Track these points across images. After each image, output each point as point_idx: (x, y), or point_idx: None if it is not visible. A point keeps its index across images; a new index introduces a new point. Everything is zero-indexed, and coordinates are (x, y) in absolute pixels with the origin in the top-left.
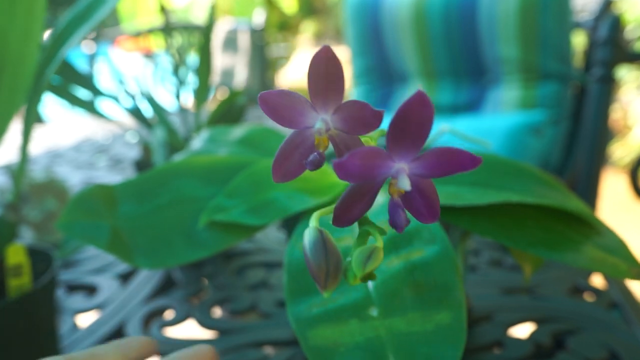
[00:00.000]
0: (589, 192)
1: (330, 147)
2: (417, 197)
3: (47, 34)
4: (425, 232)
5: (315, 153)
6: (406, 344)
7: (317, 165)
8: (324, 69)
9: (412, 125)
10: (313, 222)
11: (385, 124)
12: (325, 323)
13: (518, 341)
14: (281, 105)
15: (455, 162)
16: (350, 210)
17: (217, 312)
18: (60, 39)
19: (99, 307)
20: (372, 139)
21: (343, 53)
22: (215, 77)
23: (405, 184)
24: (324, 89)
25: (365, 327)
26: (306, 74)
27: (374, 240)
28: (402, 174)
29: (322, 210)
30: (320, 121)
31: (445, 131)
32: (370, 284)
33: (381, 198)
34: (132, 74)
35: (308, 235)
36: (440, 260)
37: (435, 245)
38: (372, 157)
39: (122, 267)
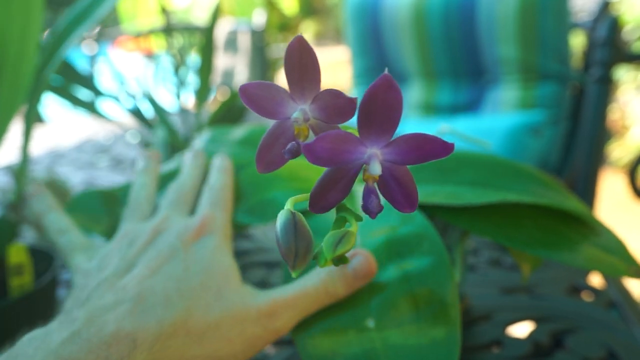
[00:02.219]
0: (587, 192)
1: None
2: (393, 185)
3: (46, 34)
4: (425, 244)
5: (294, 142)
6: (401, 357)
7: (295, 154)
8: (298, 59)
9: (379, 110)
10: (288, 205)
11: None
12: (324, 332)
13: (517, 340)
14: (261, 97)
15: (427, 148)
16: (325, 196)
17: None
18: (60, 38)
19: None
20: (355, 130)
21: (343, 53)
22: (216, 78)
23: (376, 169)
24: (299, 79)
25: (362, 338)
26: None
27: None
28: (374, 159)
29: (298, 196)
30: (299, 111)
31: (445, 131)
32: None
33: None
34: (133, 75)
35: (280, 216)
36: (437, 274)
37: (433, 258)
38: (342, 141)
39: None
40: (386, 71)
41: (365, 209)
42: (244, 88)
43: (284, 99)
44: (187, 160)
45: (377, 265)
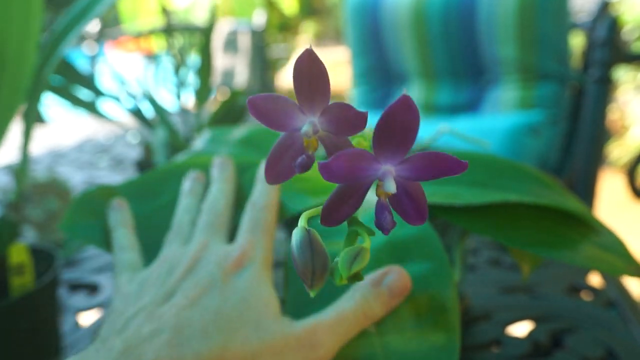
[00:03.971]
0: (586, 191)
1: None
2: (404, 200)
3: (46, 33)
4: (425, 248)
5: (304, 155)
6: None
7: (305, 167)
8: (308, 72)
9: (397, 129)
10: (302, 222)
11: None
12: None
13: (516, 340)
14: (270, 110)
15: (442, 165)
16: (338, 210)
17: None
18: (59, 37)
19: (100, 305)
20: (366, 139)
21: (343, 53)
22: (216, 78)
23: (391, 187)
24: (309, 91)
25: (363, 343)
26: (291, 77)
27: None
28: (388, 177)
29: (311, 210)
30: (308, 124)
31: (445, 131)
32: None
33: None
34: (133, 75)
35: (295, 235)
36: (438, 279)
37: (434, 262)
38: (358, 159)
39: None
40: (405, 92)
41: (379, 224)
42: (252, 100)
43: (292, 111)
44: (215, 173)
45: (410, 281)
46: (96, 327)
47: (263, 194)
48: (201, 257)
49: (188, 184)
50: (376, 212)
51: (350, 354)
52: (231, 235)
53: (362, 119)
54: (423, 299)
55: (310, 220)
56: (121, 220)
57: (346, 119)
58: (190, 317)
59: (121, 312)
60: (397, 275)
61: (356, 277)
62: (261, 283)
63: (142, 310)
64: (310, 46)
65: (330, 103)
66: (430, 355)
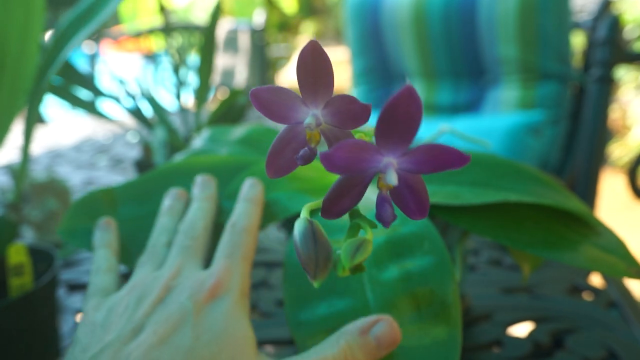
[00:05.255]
0: (587, 192)
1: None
2: (406, 193)
3: (48, 35)
4: (426, 244)
5: (306, 148)
6: (402, 358)
7: (307, 160)
8: (312, 64)
9: (399, 120)
10: (304, 213)
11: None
12: (325, 332)
13: (517, 340)
14: (272, 102)
15: (444, 159)
16: (339, 202)
17: None
18: (62, 40)
19: None
20: (367, 135)
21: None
22: (216, 77)
23: (393, 179)
24: (312, 83)
25: None
26: (295, 69)
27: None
28: (390, 169)
29: (312, 203)
30: (311, 116)
31: (445, 131)
32: (369, 293)
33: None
34: (132, 74)
35: (298, 226)
36: (439, 274)
37: (434, 257)
38: (360, 149)
39: (123, 266)
40: (407, 82)
41: (380, 217)
42: (255, 92)
43: (295, 103)
44: (196, 192)
45: (400, 333)
46: None
47: (244, 215)
48: (173, 286)
49: (168, 202)
50: (377, 205)
51: None
52: (209, 256)
53: (366, 111)
54: (423, 293)
55: (311, 216)
56: (105, 241)
57: (350, 111)
58: (159, 358)
59: (85, 347)
60: (386, 326)
61: (358, 268)
62: (237, 317)
63: (108, 348)
64: (315, 38)
65: (333, 96)
66: (432, 350)
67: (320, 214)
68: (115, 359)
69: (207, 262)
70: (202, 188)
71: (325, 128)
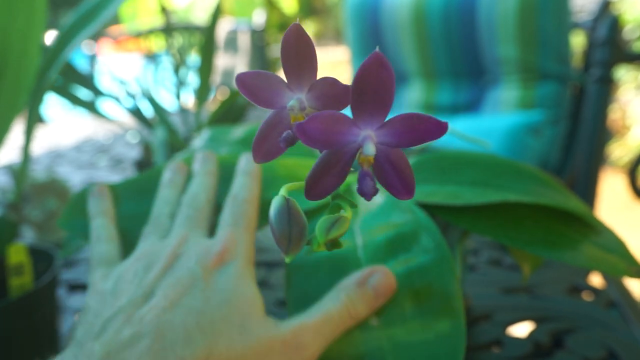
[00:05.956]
0: (587, 191)
1: None
2: (388, 170)
3: (49, 35)
4: (424, 239)
5: (289, 130)
6: (407, 354)
7: (290, 142)
8: (295, 47)
9: (372, 89)
10: (282, 191)
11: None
12: None
13: (517, 340)
14: (258, 86)
15: (422, 128)
16: (320, 182)
17: None
18: (63, 40)
19: None
20: None
21: (343, 53)
22: (216, 77)
23: (370, 149)
24: (296, 67)
25: (367, 337)
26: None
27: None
28: (368, 141)
29: (293, 184)
30: (294, 100)
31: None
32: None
33: (380, 198)
34: (131, 75)
35: (274, 202)
36: (439, 268)
37: (434, 252)
38: (335, 121)
39: None
40: (377, 49)
41: (361, 191)
42: (240, 77)
43: (280, 88)
44: (197, 166)
45: (395, 281)
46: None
47: (244, 187)
48: (180, 253)
49: (168, 175)
50: (359, 179)
51: (356, 350)
52: (211, 231)
53: (347, 92)
54: (424, 288)
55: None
56: (101, 209)
57: (332, 94)
58: (172, 320)
59: (97, 313)
60: (382, 275)
61: (335, 245)
62: (244, 281)
63: (121, 312)
64: (298, 21)
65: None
66: (437, 343)
67: (304, 195)
68: (129, 322)
69: (211, 235)
70: (203, 163)
71: (309, 112)
